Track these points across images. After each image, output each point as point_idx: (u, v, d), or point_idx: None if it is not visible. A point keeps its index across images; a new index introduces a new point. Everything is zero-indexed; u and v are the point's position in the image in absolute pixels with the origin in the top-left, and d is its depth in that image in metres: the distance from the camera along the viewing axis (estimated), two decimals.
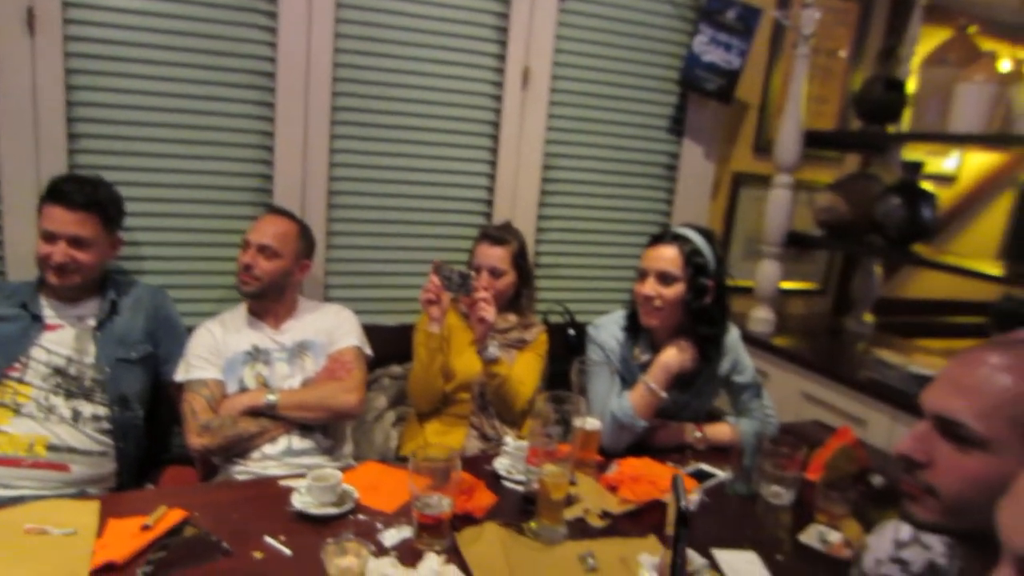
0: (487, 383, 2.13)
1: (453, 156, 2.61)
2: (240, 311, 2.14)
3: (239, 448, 1.92)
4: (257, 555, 1.31)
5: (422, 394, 2.17)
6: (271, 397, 1.93)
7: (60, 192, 1.89)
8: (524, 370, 2.23)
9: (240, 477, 1.91)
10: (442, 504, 1.36)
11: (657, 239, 1.93)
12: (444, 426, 2.20)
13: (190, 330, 2.11)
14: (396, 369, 2.42)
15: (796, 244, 3.02)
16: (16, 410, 1.80)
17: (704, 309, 1.89)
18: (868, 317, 3.22)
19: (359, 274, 2.57)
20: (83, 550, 1.28)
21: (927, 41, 3.01)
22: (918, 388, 2.26)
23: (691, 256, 1.86)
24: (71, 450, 1.82)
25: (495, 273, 2.27)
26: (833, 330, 3.31)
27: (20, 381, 1.83)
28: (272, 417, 1.94)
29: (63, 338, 1.91)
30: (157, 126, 2.22)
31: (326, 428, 2.04)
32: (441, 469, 1.39)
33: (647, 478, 1.66)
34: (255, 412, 1.93)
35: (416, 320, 2.27)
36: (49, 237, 1.88)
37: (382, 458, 2.04)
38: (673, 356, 1.88)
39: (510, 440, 2.05)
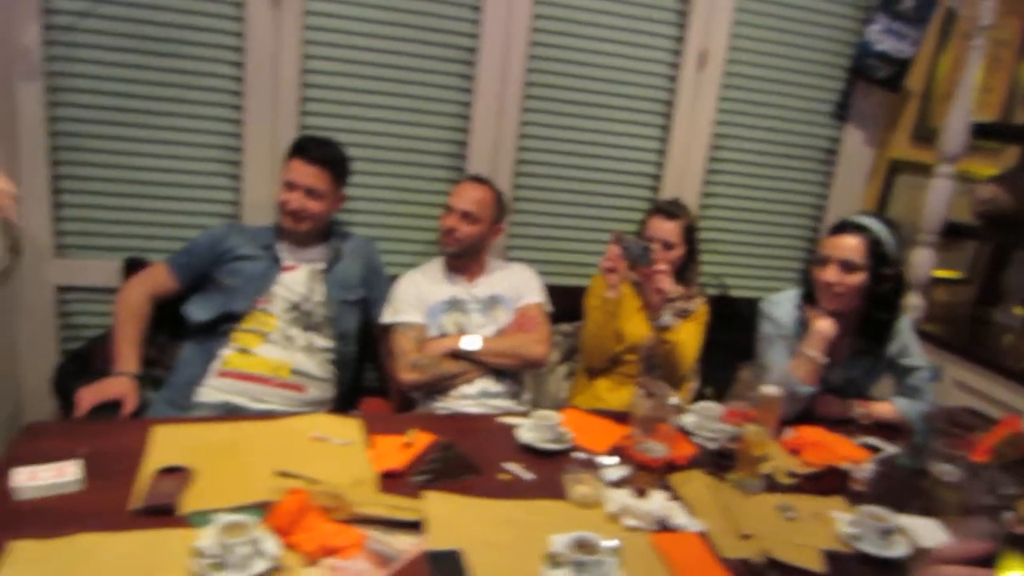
0: (659, 348, 2.30)
1: (629, 132, 2.77)
2: (437, 264, 2.37)
3: (441, 386, 2.16)
4: (503, 476, 1.54)
5: (594, 352, 2.36)
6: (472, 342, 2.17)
7: (302, 148, 2.17)
8: (688, 338, 2.38)
9: (438, 413, 2.15)
10: (659, 449, 1.56)
11: (840, 228, 2.02)
12: (614, 384, 2.39)
13: (391, 279, 2.36)
14: (566, 327, 2.62)
15: (953, 234, 3.04)
16: (264, 337, 2.08)
17: (882, 296, 2.00)
18: (1018, 310, 3.22)
19: (538, 237, 2.78)
20: (363, 457, 1.54)
21: None
22: None
23: (874, 246, 1.96)
24: (308, 375, 2.10)
25: (667, 246, 2.41)
26: (979, 320, 3.31)
27: (266, 312, 2.12)
28: (470, 361, 2.18)
29: (298, 278, 2.18)
30: (373, 93, 2.47)
31: (515, 374, 2.27)
32: (654, 419, 1.58)
33: (824, 445, 1.81)
34: (456, 355, 2.17)
35: (587, 284, 2.46)
36: (289, 186, 2.16)
37: (555, 406, 2.25)
38: (824, 324, 1.99)
39: (678, 400, 2.23)
